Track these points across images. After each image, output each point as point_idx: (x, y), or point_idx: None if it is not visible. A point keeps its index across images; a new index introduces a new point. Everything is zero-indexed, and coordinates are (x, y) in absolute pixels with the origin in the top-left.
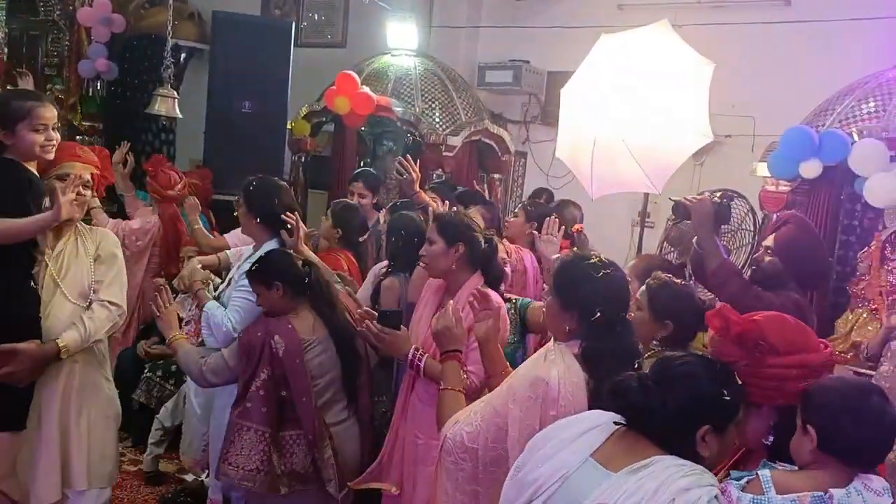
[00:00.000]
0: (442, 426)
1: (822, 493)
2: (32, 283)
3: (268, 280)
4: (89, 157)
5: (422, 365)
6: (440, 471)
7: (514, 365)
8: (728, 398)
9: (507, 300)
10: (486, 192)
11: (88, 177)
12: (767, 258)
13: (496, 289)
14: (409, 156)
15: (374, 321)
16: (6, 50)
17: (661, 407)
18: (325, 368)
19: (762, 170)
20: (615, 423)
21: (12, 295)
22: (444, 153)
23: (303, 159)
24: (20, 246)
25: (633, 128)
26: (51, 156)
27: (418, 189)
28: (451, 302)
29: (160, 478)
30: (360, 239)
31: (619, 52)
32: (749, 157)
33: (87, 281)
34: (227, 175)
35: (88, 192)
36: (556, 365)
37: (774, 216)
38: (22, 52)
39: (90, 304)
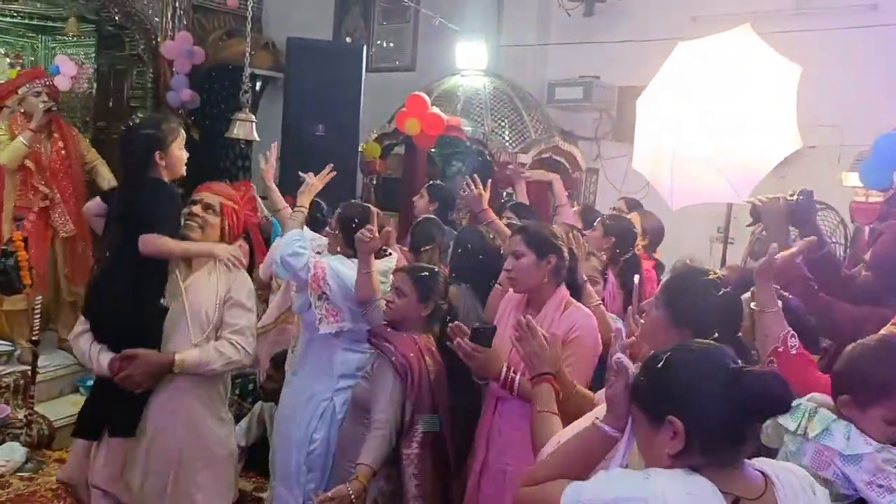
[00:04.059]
0: (539, 449)
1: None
2: (162, 300)
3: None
4: (227, 192)
5: (517, 384)
6: None
7: None
8: None
9: None
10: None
11: (216, 203)
12: (863, 273)
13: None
14: (475, 175)
15: (467, 338)
16: (95, 84)
17: None
18: None
19: (851, 180)
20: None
21: (145, 308)
22: None
23: (374, 181)
24: (158, 262)
25: (716, 136)
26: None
27: (485, 206)
28: (523, 318)
29: (237, 497)
30: (422, 249)
31: (698, 58)
32: (835, 168)
33: (208, 317)
34: None
35: (209, 215)
36: None
37: (867, 228)
38: (109, 86)
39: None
